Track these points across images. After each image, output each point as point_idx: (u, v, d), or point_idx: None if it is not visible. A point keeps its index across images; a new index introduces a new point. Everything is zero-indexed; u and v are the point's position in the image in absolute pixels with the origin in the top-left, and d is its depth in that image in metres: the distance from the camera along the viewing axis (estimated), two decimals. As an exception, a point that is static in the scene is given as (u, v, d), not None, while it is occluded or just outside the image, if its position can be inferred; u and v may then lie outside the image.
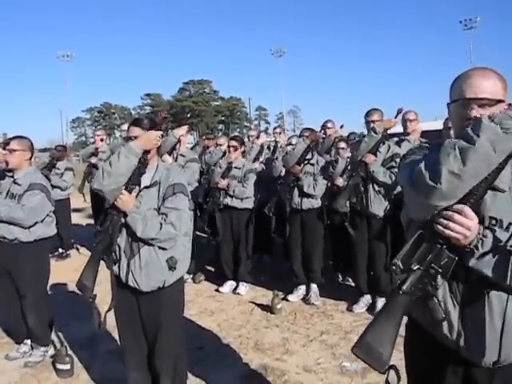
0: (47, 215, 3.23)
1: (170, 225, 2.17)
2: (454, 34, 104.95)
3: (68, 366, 3.01)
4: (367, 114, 4.00)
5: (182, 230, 2.21)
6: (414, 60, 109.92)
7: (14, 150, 3.15)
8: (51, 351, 3.27)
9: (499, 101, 1.30)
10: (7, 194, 3.16)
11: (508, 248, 1.24)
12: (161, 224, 2.16)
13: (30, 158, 3.26)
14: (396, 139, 4.48)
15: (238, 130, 65.68)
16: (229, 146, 4.79)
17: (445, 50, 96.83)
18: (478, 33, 66.04)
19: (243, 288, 4.68)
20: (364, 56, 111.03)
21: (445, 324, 1.33)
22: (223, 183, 4.64)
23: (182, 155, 4.99)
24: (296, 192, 4.39)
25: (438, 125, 5.86)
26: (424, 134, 5.09)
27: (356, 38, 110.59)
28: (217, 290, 4.68)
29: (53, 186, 5.25)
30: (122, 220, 2.22)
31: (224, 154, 5.49)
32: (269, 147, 6.19)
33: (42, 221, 3.17)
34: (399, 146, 4.29)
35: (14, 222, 3.05)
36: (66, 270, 5.35)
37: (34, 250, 3.16)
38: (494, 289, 1.26)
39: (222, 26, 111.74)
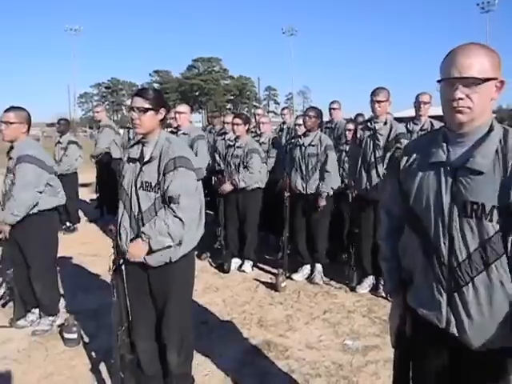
0: (47, 184, 3.18)
1: (179, 223, 2.13)
2: (470, 17, 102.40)
3: (75, 336, 3.08)
4: (373, 93, 3.87)
5: (193, 211, 2.18)
6: (428, 44, 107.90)
7: (11, 123, 3.06)
8: (59, 321, 3.34)
9: (487, 79, 1.26)
10: (7, 170, 3.15)
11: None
12: (167, 225, 2.12)
13: (28, 130, 3.18)
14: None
15: (247, 109, 65.19)
16: (232, 124, 4.71)
17: (460, 34, 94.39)
18: (496, 15, 64.31)
19: (248, 265, 4.71)
20: (376, 39, 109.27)
21: (434, 312, 1.36)
22: (227, 188, 4.63)
23: (184, 133, 4.87)
24: (299, 178, 4.35)
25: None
26: (436, 118, 4.98)
27: (369, 20, 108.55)
28: (221, 268, 4.71)
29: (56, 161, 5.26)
30: (128, 198, 2.24)
31: (224, 133, 5.43)
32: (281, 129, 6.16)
33: (41, 192, 3.13)
34: (408, 131, 4.24)
35: (25, 207, 3.05)
36: (73, 244, 5.43)
37: (41, 220, 3.18)
38: (480, 276, 1.28)
39: (233, 2, 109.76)
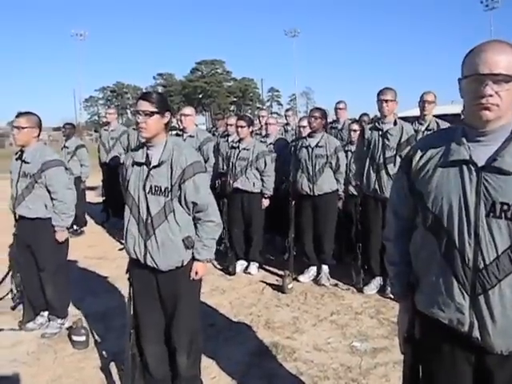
0: None
1: (212, 224, 2.29)
2: (474, 14, 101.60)
3: (83, 338, 3.09)
4: (380, 93, 3.88)
5: (215, 212, 2.31)
6: (431, 42, 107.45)
7: (23, 128, 3.10)
8: (67, 323, 3.35)
9: None
10: (19, 174, 3.17)
11: None
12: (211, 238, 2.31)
13: (38, 135, 3.22)
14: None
15: (250, 111, 65.16)
16: (236, 126, 4.70)
17: (464, 32, 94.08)
18: (500, 13, 63.94)
19: (254, 267, 4.71)
20: (378, 38, 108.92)
21: (454, 315, 1.32)
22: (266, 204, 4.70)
23: (191, 136, 4.90)
24: (305, 179, 4.35)
25: (455, 109, 5.75)
26: (440, 118, 4.94)
27: (370, 20, 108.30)
28: (226, 270, 4.70)
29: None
30: (135, 203, 2.25)
31: (227, 135, 5.45)
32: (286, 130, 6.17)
33: None
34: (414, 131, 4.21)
35: (73, 205, 3.25)
36: (80, 247, 5.45)
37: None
38: (507, 278, 1.24)
39: (236, 5, 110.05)
